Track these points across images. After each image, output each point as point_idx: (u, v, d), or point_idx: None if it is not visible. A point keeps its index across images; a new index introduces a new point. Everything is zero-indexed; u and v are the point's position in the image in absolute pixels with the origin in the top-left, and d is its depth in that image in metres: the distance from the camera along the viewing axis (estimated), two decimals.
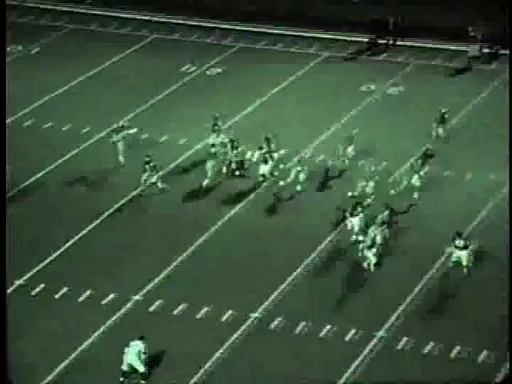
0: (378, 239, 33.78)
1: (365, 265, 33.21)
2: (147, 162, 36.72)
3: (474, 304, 31.23)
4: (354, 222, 34.86)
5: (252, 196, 37.47)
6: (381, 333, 29.92)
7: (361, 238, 33.94)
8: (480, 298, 31.52)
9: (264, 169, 37.95)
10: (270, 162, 38.09)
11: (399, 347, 29.50)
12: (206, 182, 37.50)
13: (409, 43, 49.55)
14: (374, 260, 33.23)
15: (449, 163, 38.95)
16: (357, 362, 28.59)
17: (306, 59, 48.64)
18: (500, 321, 30.20)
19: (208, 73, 47.58)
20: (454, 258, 32.91)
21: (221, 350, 29.14)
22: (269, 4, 52.65)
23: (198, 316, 30.71)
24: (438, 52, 48.68)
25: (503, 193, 36.85)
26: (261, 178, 37.85)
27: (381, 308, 31.04)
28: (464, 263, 32.66)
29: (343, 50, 49.48)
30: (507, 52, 47.23)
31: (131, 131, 39.18)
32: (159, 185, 36.89)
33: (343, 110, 43.32)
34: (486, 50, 47.85)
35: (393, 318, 30.59)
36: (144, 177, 36.81)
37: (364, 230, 34.06)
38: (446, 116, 40.61)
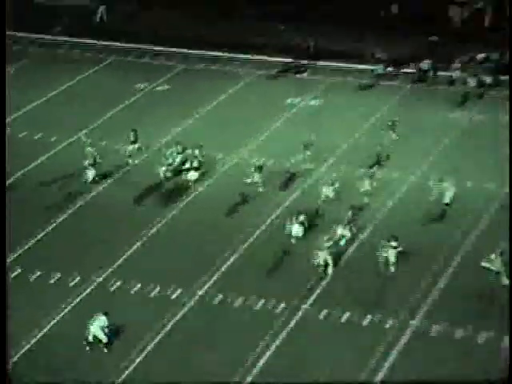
0: (342, 242, 33.19)
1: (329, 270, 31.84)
2: None
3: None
4: (295, 229, 33.73)
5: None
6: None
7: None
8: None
9: (194, 174, 37.63)
10: (198, 169, 37.81)
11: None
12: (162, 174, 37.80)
13: (326, 64, 49.39)
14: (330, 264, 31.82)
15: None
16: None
17: (241, 78, 48.47)
18: None
19: (157, 89, 47.25)
20: (383, 255, 31.99)
21: (171, 324, 29.26)
22: (209, 32, 52.52)
23: (152, 295, 30.70)
24: (349, 71, 48.55)
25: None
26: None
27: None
28: (392, 260, 31.80)
29: (272, 70, 49.18)
30: (408, 70, 47.73)
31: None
32: None
33: (272, 118, 43.31)
34: (389, 69, 47.98)
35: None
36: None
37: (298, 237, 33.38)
38: (396, 123, 40.49)
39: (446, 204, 34.84)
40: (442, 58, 47.72)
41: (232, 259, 32.61)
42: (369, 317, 29.37)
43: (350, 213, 34.33)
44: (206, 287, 31.07)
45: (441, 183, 35.38)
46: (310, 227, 33.81)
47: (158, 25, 53.50)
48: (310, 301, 30.35)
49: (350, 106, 44.45)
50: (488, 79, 46.03)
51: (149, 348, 28.21)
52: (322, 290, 30.94)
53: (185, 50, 51.39)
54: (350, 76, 48.15)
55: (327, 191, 36.22)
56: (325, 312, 29.75)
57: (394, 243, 31.71)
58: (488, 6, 50.57)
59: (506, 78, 45.46)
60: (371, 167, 38.26)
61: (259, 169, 37.34)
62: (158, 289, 30.88)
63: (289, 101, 45.51)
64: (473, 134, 41.36)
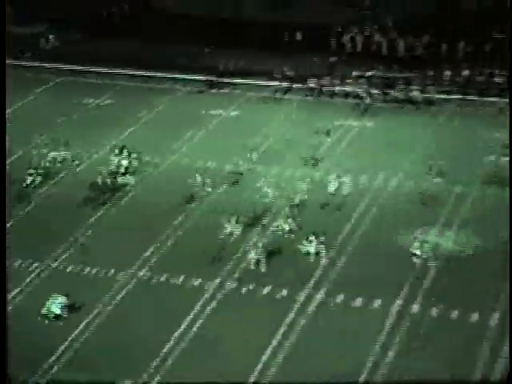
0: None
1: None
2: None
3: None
4: (231, 227, 33.13)
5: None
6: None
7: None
8: None
9: (130, 178, 37.65)
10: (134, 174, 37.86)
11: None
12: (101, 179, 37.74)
13: (244, 81, 49.92)
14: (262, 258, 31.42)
15: None
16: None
17: (171, 93, 49.14)
18: None
19: (101, 104, 47.75)
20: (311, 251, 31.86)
21: (115, 302, 30.16)
22: (144, 54, 52.99)
23: (101, 275, 31.59)
24: (262, 86, 49.25)
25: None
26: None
27: None
28: (312, 251, 31.64)
29: (199, 87, 49.75)
30: (299, 85, 48.65)
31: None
32: None
33: (200, 126, 44.17)
34: (285, 85, 49.02)
35: None
36: None
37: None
38: (330, 130, 41.98)
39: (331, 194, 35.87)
40: (339, 75, 49.15)
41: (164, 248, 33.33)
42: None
43: (287, 209, 34.22)
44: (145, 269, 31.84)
45: (338, 178, 36.67)
46: (250, 225, 33.70)
47: (98, 49, 53.87)
48: (233, 279, 30.95)
49: (263, 116, 45.39)
50: (363, 92, 47.64)
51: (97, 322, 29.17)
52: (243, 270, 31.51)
53: (123, 71, 51.78)
54: (263, 91, 48.76)
55: (267, 190, 36.01)
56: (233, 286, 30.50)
57: (312, 237, 31.53)
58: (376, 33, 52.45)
59: (390, 91, 47.55)
60: (311, 165, 38.36)
61: (199, 170, 37.30)
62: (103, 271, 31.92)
63: (213, 112, 46.05)
64: (364, 137, 42.64)
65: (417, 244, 32.12)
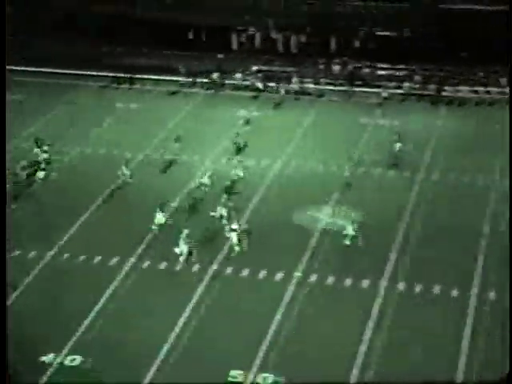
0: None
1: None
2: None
3: None
4: (159, 217, 32.81)
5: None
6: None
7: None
8: None
9: (41, 172, 37.74)
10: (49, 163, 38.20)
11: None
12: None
13: (152, 76, 51.39)
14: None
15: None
16: None
17: (83, 88, 50.25)
18: None
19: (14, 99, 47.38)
20: (233, 240, 32.20)
21: None
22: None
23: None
24: (158, 80, 50.83)
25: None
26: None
27: None
28: (234, 241, 32.10)
29: (110, 83, 50.92)
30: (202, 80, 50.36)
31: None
32: None
33: (105, 118, 45.29)
34: (189, 79, 50.80)
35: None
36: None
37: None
38: (249, 119, 43.53)
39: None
40: (227, 70, 51.27)
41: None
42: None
43: (225, 195, 34.58)
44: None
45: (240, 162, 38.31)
46: (190, 211, 34.40)
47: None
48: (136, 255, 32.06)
49: (160, 108, 47.03)
50: (260, 85, 50.21)
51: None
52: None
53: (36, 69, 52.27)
54: (160, 85, 50.47)
55: (203, 179, 36.14)
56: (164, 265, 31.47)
57: (234, 226, 32.01)
58: (257, 33, 54.77)
59: (272, 84, 49.78)
60: (237, 154, 39.62)
61: (126, 162, 37.69)
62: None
63: (119, 105, 47.52)
64: (255, 124, 44.52)
65: (308, 218, 34.43)
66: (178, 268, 31.73)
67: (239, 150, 40.79)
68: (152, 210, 33.95)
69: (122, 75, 51.53)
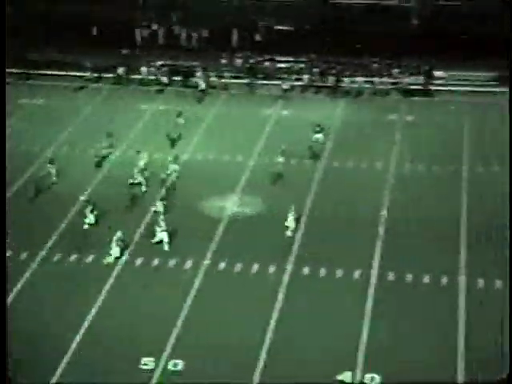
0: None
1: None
2: None
3: None
4: (89, 217, 33.04)
5: None
6: None
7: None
8: None
9: None
10: None
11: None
12: None
13: (57, 72, 50.85)
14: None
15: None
16: None
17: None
18: None
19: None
20: (157, 239, 32.39)
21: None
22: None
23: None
24: (74, 77, 50.51)
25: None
26: None
27: None
28: (165, 240, 32.22)
29: (15, 79, 50.07)
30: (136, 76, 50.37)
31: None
32: None
33: (22, 116, 45.09)
34: (95, 75, 50.61)
35: None
36: None
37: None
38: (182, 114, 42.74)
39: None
40: (132, 65, 51.23)
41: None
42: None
43: (163, 190, 35.20)
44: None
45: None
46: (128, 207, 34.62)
47: None
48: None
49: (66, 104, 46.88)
50: (164, 79, 50.60)
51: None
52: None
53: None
54: (76, 81, 50.17)
55: (136, 175, 36.05)
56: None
57: (162, 223, 32.21)
58: (160, 28, 54.86)
59: (178, 78, 50.19)
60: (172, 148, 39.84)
61: (52, 160, 37.26)
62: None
63: (25, 101, 47.31)
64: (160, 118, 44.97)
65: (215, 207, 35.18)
66: (89, 260, 32.06)
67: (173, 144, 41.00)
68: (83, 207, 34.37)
69: (26, 71, 51.05)
